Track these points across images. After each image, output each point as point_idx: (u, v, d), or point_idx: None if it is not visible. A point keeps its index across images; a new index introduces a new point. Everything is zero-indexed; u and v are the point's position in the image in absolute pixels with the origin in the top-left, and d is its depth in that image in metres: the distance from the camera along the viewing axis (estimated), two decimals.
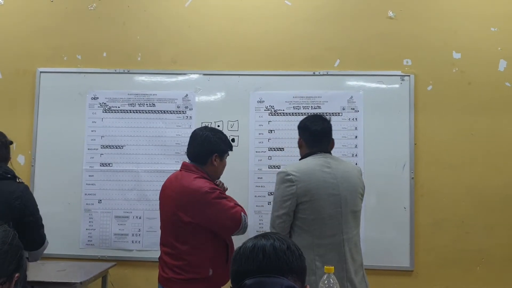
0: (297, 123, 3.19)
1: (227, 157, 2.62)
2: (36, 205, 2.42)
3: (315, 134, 2.54)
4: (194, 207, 2.37)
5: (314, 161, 2.48)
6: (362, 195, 2.56)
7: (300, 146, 2.64)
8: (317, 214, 2.39)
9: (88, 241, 3.27)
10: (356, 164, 3.14)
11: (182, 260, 2.41)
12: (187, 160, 2.61)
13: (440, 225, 3.15)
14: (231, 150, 2.64)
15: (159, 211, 2.58)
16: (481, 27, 3.24)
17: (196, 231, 2.39)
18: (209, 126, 2.62)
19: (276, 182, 2.51)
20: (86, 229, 3.27)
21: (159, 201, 2.59)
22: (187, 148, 2.59)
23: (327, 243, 2.37)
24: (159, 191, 2.59)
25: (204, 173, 2.50)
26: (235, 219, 2.41)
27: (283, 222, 2.43)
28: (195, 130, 2.61)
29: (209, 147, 2.52)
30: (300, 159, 2.59)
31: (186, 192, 2.40)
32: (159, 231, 2.58)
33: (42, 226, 2.42)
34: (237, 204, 2.48)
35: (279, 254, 1.25)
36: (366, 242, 3.14)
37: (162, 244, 2.52)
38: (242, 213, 2.44)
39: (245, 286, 1.20)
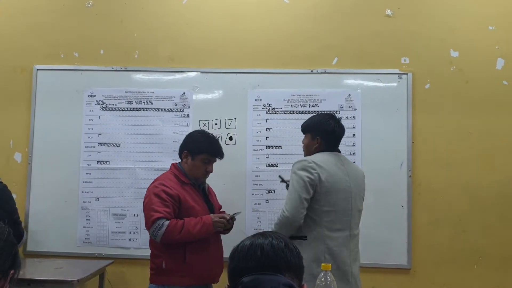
0: (295, 121, 3.24)
1: (209, 163, 2.63)
2: (12, 204, 2.61)
3: (339, 136, 2.61)
4: (145, 194, 2.60)
5: (330, 157, 2.51)
6: (364, 197, 2.61)
7: (310, 145, 2.60)
8: (331, 206, 2.41)
9: (86, 239, 3.26)
10: (353, 162, 3.15)
11: (150, 248, 2.63)
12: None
13: (437, 224, 3.15)
14: (213, 155, 2.63)
15: None
16: (479, 26, 3.24)
17: None
18: (208, 130, 2.82)
19: (294, 170, 2.45)
20: (84, 227, 3.26)
21: None
22: None
23: (337, 237, 2.40)
24: None
25: (178, 170, 2.64)
26: (148, 222, 2.50)
27: (304, 208, 2.37)
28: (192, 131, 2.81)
29: (183, 143, 2.68)
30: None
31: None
32: None
33: (20, 223, 2.64)
34: (168, 213, 2.48)
35: (277, 252, 1.25)
36: (363, 240, 3.13)
37: None
38: (158, 221, 2.45)
39: (242, 284, 1.20)
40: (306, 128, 2.64)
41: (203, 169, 2.62)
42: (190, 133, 2.76)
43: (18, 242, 2.55)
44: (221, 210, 2.83)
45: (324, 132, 2.57)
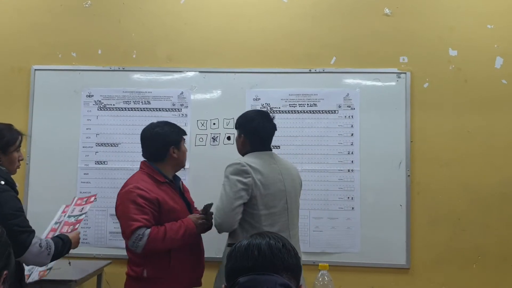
0: (294, 121, 3.24)
1: (185, 143, 2.61)
2: (12, 209, 2.11)
3: (264, 135, 2.53)
4: (117, 199, 2.43)
5: (262, 157, 2.47)
6: (300, 193, 2.61)
7: (238, 142, 2.58)
8: (269, 209, 2.38)
9: (83, 239, 3.22)
10: (352, 161, 3.17)
11: (126, 255, 2.47)
12: None
13: (436, 223, 3.15)
14: (185, 134, 2.61)
15: None
16: (478, 24, 3.24)
17: None
18: (155, 122, 2.57)
19: (227, 174, 2.40)
20: (81, 227, 3.24)
21: None
22: (142, 150, 2.57)
23: None
24: None
25: (152, 170, 2.47)
26: (126, 232, 2.31)
27: (238, 214, 2.33)
28: (143, 130, 2.57)
29: (162, 142, 2.49)
30: (243, 155, 2.55)
31: (122, 188, 2.45)
32: None
33: (19, 231, 2.09)
34: (148, 221, 2.29)
35: (274, 252, 1.24)
36: (362, 240, 3.15)
37: None
38: (138, 231, 2.26)
39: (238, 284, 1.19)
40: (235, 124, 2.63)
41: (186, 154, 2.59)
42: (155, 131, 2.50)
43: (20, 253, 2.05)
44: (195, 207, 2.70)
45: (247, 130, 2.53)
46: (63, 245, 2.23)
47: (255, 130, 2.51)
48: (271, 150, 2.57)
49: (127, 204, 2.32)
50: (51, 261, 2.20)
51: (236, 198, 2.32)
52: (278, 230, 2.28)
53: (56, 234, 2.32)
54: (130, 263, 2.42)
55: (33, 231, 2.14)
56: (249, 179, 2.34)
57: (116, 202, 2.43)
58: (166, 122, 2.59)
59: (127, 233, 2.30)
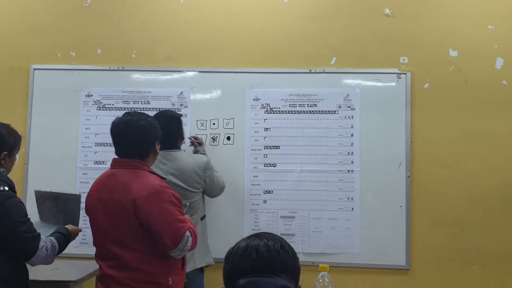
0: (293, 121, 3.24)
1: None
2: (19, 215, 2.13)
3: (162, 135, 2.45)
4: (148, 205, 2.10)
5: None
6: (197, 184, 2.81)
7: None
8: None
9: (82, 239, 3.23)
10: (351, 162, 3.16)
11: (134, 270, 2.12)
12: None
13: (436, 224, 3.14)
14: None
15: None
16: (478, 25, 3.23)
17: (147, 234, 2.13)
18: (130, 111, 2.36)
19: (211, 166, 2.87)
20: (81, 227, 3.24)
21: (86, 209, 2.29)
22: (119, 142, 2.26)
23: None
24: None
25: (149, 168, 2.27)
26: (176, 237, 2.10)
27: None
28: (126, 121, 2.24)
29: (151, 137, 2.26)
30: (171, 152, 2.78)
31: (140, 189, 2.12)
32: None
33: (27, 237, 2.12)
34: (186, 220, 2.21)
35: (272, 254, 1.24)
36: (362, 241, 3.14)
37: (102, 258, 2.22)
38: (188, 232, 2.14)
39: (238, 286, 1.19)
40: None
41: None
42: (142, 124, 2.24)
43: (27, 259, 2.14)
44: None
45: (158, 133, 2.58)
46: (65, 241, 2.29)
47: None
48: (170, 149, 2.77)
49: (165, 205, 2.12)
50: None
51: None
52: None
53: (57, 229, 2.34)
54: (152, 276, 2.14)
55: (39, 235, 2.18)
56: None
57: (137, 208, 2.10)
58: (140, 112, 2.35)
59: (178, 237, 2.09)
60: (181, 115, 2.95)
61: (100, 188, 2.24)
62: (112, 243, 2.15)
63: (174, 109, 3.28)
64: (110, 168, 2.30)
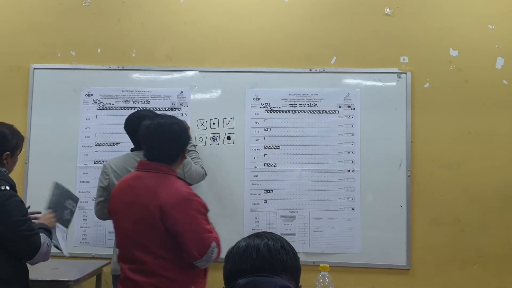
0: (294, 120, 3.23)
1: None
2: (19, 215, 2.15)
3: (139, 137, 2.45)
4: (176, 213, 2.06)
5: (124, 158, 2.77)
6: None
7: None
8: None
9: (82, 239, 3.24)
10: (352, 162, 3.17)
11: (158, 276, 2.09)
12: None
13: (436, 224, 3.14)
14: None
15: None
16: (479, 25, 3.22)
17: (173, 240, 2.10)
18: (141, 110, 2.37)
19: (188, 162, 2.80)
20: (80, 227, 3.24)
21: (110, 211, 2.28)
22: (151, 146, 2.21)
23: None
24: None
25: (176, 174, 2.23)
26: (204, 245, 2.07)
27: (103, 207, 2.76)
28: (159, 124, 2.19)
29: (182, 141, 2.23)
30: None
31: (168, 196, 2.08)
32: None
33: (29, 235, 2.13)
34: (212, 230, 2.17)
35: (273, 253, 1.23)
36: (362, 240, 3.14)
37: (125, 261, 2.18)
38: (213, 242, 2.10)
39: (238, 286, 1.18)
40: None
41: None
42: (174, 128, 2.21)
43: (30, 257, 2.15)
44: None
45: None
46: (50, 234, 2.32)
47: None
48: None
49: (193, 214, 2.08)
50: None
51: (98, 195, 2.80)
52: None
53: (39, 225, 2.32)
54: (176, 283, 2.10)
55: (38, 233, 2.19)
56: (107, 180, 2.74)
57: (164, 214, 2.06)
58: (171, 116, 2.34)
59: (204, 248, 2.06)
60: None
61: (125, 189, 2.21)
62: (137, 247, 2.11)
63: (174, 108, 3.28)
64: (136, 170, 2.25)
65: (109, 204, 2.29)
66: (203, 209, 2.14)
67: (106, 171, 2.71)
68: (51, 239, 2.29)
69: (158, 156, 2.18)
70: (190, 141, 2.98)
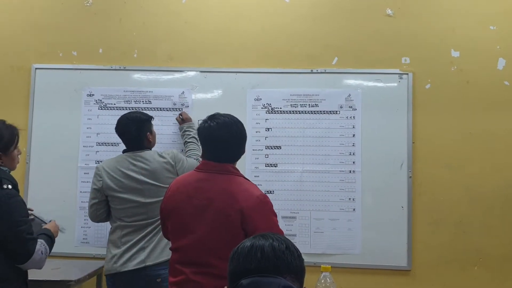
0: (295, 121, 3.23)
1: None
2: (21, 215, 2.13)
3: (124, 137, 2.90)
4: (256, 215, 2.01)
5: (117, 159, 2.85)
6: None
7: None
8: (123, 204, 2.80)
9: (83, 239, 3.24)
10: (353, 162, 3.17)
11: (224, 279, 2.10)
12: None
13: (437, 225, 3.14)
14: None
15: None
16: (480, 26, 3.22)
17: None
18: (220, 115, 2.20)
19: (180, 157, 2.85)
20: (81, 227, 3.24)
21: (165, 212, 2.19)
22: (216, 146, 2.13)
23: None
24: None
25: (242, 174, 2.19)
26: None
27: (97, 210, 2.88)
28: (224, 123, 2.14)
29: (245, 140, 2.20)
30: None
31: (246, 198, 2.03)
32: None
33: (26, 239, 2.12)
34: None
35: (277, 254, 1.23)
36: (363, 241, 3.14)
37: (186, 263, 2.07)
38: None
39: (241, 286, 1.18)
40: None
41: None
42: (239, 128, 2.19)
43: (22, 261, 2.12)
44: None
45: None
46: (51, 242, 2.31)
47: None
48: (136, 150, 2.82)
49: (270, 216, 2.06)
50: None
51: (92, 197, 2.87)
52: (134, 220, 2.76)
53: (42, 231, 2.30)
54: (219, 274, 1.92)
55: (37, 238, 2.18)
56: (100, 182, 2.81)
57: (244, 217, 2.00)
58: (229, 114, 2.22)
59: None
60: (150, 117, 2.88)
61: (193, 192, 2.09)
62: (208, 252, 2.02)
63: (176, 108, 3.28)
64: (200, 172, 2.15)
65: (165, 205, 2.19)
66: (274, 211, 2.10)
67: (99, 173, 2.79)
68: (51, 247, 2.28)
69: (224, 157, 2.13)
70: (191, 130, 3.09)
